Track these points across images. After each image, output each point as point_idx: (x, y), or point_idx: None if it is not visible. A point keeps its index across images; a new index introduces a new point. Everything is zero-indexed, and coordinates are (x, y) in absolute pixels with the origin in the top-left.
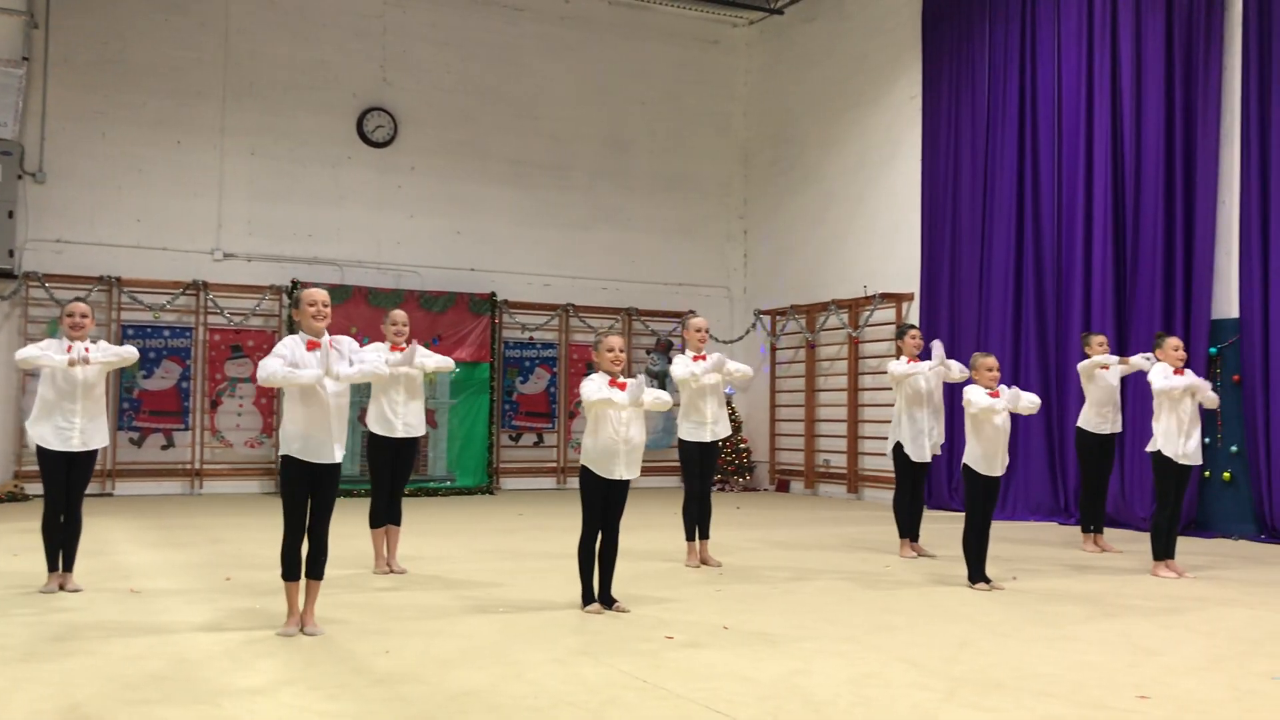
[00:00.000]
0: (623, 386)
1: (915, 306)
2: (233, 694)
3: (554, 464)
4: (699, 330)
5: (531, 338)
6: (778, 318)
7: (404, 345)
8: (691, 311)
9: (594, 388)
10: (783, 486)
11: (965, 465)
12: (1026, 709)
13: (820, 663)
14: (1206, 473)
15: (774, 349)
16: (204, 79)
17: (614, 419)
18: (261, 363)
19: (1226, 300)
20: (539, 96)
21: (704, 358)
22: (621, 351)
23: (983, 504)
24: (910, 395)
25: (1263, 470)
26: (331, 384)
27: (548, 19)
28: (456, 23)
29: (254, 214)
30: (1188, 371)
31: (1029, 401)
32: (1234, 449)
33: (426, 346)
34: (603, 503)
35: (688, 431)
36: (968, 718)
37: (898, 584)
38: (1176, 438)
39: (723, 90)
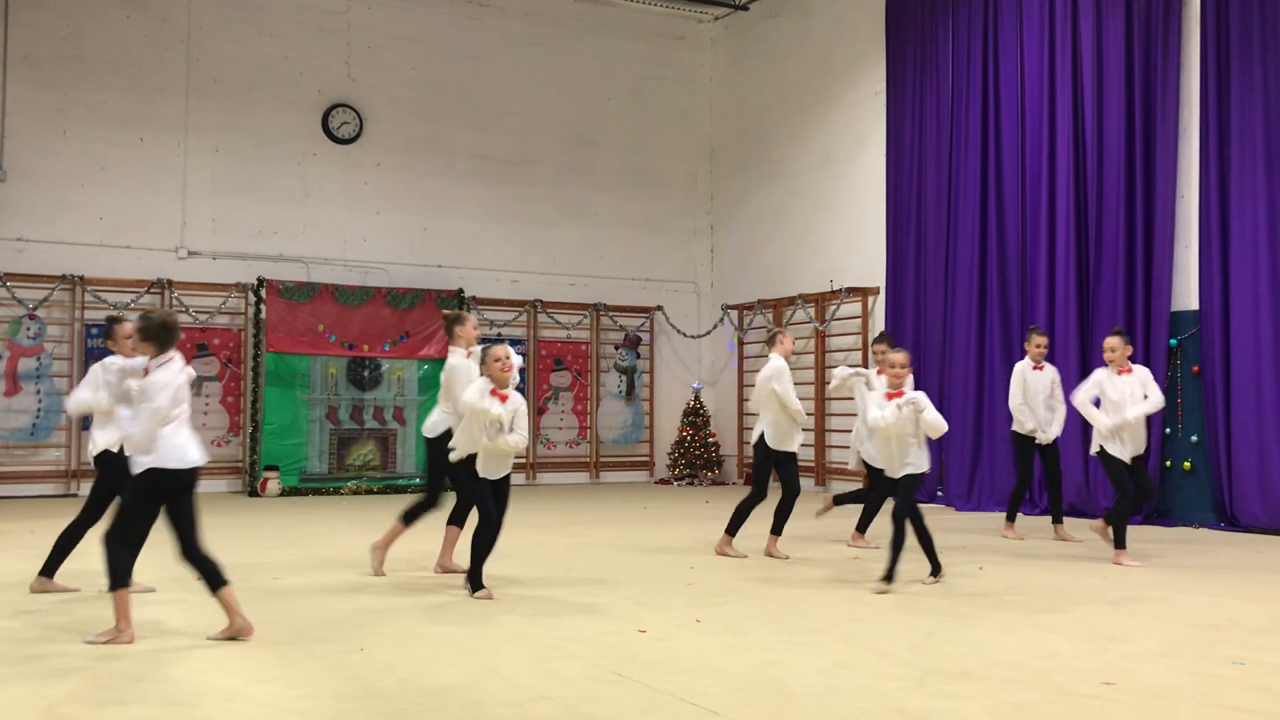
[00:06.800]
0: (504, 398)
1: (880, 301)
2: (209, 694)
3: (522, 459)
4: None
5: (499, 334)
6: (745, 312)
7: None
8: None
9: (475, 394)
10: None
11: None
12: (994, 696)
13: (792, 654)
14: (1168, 462)
15: (741, 343)
16: (166, 76)
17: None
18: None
19: (1186, 293)
20: (504, 93)
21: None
22: (510, 359)
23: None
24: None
25: (1222, 460)
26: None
27: (513, 15)
28: (421, 19)
29: (219, 212)
30: (1137, 371)
31: (929, 422)
32: (1194, 439)
33: (394, 344)
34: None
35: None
36: (936, 706)
37: (866, 575)
38: (1112, 437)
39: (688, 86)
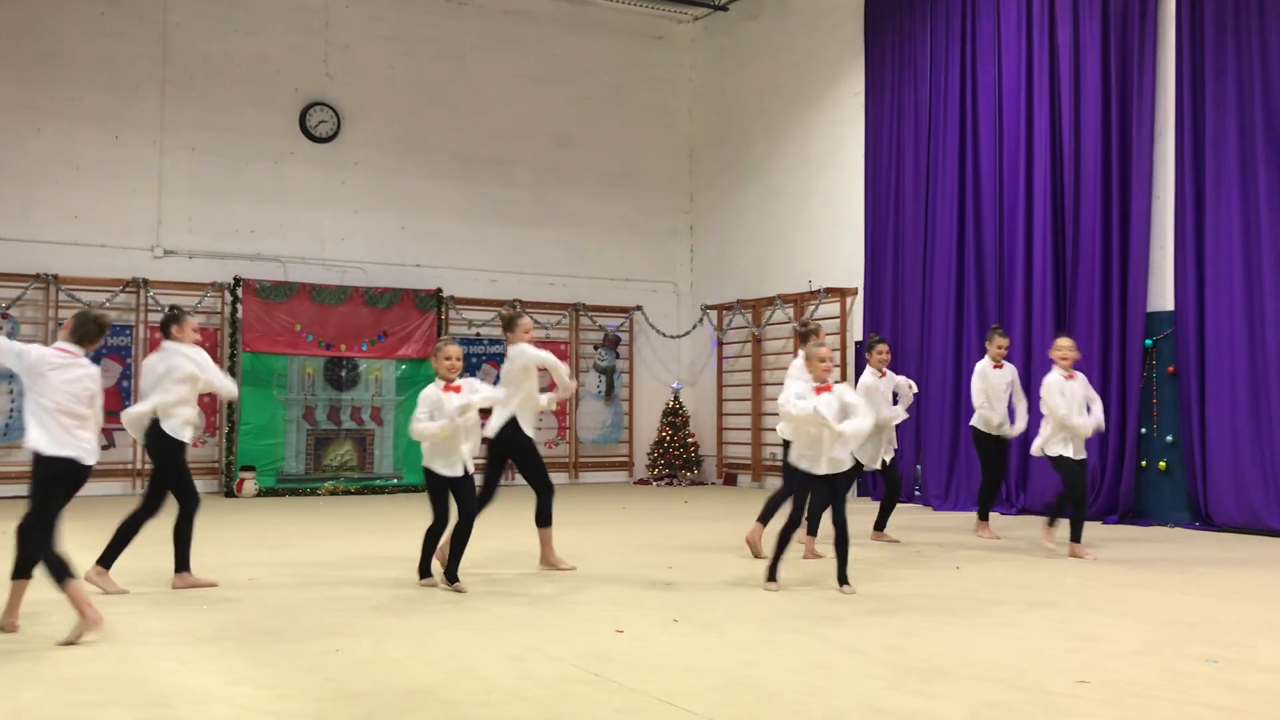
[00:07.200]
0: (458, 389)
1: (859, 301)
2: (182, 695)
3: None
4: (448, 359)
5: (478, 334)
6: (724, 312)
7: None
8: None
9: (425, 414)
10: (730, 480)
11: (790, 462)
12: (970, 695)
13: (769, 653)
14: (1143, 462)
15: (720, 343)
16: (142, 73)
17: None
18: None
19: (1161, 293)
20: (483, 91)
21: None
22: (459, 360)
23: (803, 500)
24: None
25: (1197, 459)
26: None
27: (491, 14)
28: (400, 17)
29: (195, 210)
30: (1079, 376)
31: (854, 427)
32: (1169, 439)
33: (372, 343)
34: (449, 497)
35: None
36: (913, 705)
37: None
38: (1059, 438)
39: (668, 86)
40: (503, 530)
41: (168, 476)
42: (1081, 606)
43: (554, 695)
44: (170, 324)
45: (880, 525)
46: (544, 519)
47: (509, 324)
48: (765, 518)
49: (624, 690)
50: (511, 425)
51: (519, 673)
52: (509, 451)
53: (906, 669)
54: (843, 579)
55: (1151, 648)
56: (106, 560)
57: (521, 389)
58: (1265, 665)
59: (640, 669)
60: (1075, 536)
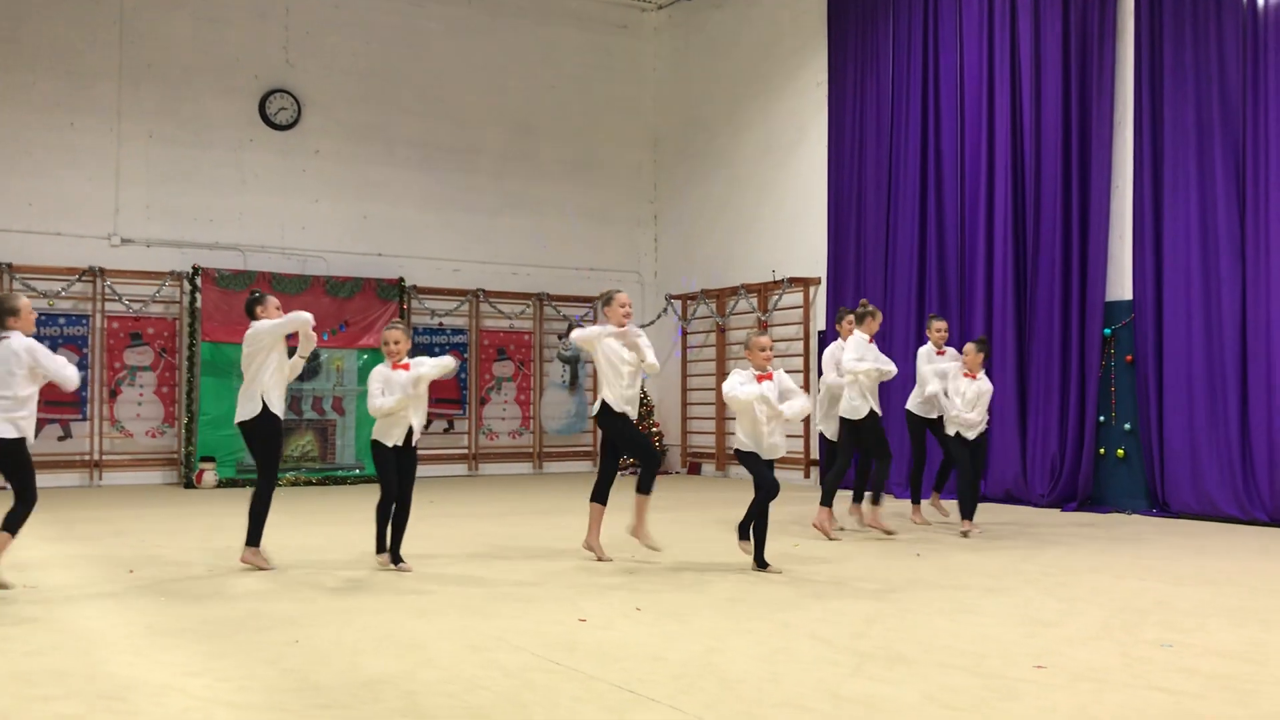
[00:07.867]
0: (406, 367)
1: (822, 291)
2: (139, 688)
3: (465, 450)
4: (386, 344)
5: (441, 324)
6: (688, 302)
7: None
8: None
9: (378, 389)
10: (694, 469)
11: (737, 450)
12: (929, 680)
13: (731, 641)
14: (1101, 450)
15: (685, 333)
16: (99, 59)
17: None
18: None
19: (1120, 283)
20: (446, 80)
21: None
22: (397, 344)
23: (768, 485)
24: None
25: (1154, 447)
26: None
27: (455, 1)
28: (361, 4)
29: (153, 198)
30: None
31: (797, 408)
32: (1127, 427)
33: (333, 333)
34: (396, 469)
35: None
36: (873, 690)
37: (806, 561)
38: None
39: (632, 75)
40: (466, 520)
41: (273, 448)
42: (1039, 592)
43: (515, 684)
44: (254, 305)
45: (876, 499)
46: (642, 486)
47: (606, 301)
48: (853, 499)
49: (585, 679)
50: (604, 407)
51: (481, 662)
52: (608, 432)
53: (867, 655)
54: (760, 561)
55: (1108, 633)
56: (253, 540)
57: (603, 369)
58: (1219, 650)
59: (603, 658)
60: (965, 513)
